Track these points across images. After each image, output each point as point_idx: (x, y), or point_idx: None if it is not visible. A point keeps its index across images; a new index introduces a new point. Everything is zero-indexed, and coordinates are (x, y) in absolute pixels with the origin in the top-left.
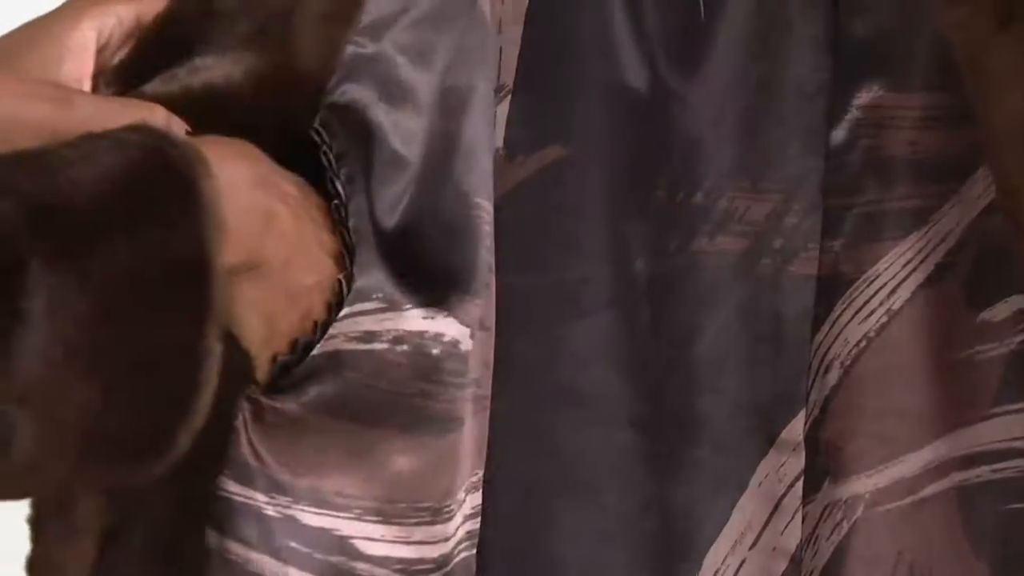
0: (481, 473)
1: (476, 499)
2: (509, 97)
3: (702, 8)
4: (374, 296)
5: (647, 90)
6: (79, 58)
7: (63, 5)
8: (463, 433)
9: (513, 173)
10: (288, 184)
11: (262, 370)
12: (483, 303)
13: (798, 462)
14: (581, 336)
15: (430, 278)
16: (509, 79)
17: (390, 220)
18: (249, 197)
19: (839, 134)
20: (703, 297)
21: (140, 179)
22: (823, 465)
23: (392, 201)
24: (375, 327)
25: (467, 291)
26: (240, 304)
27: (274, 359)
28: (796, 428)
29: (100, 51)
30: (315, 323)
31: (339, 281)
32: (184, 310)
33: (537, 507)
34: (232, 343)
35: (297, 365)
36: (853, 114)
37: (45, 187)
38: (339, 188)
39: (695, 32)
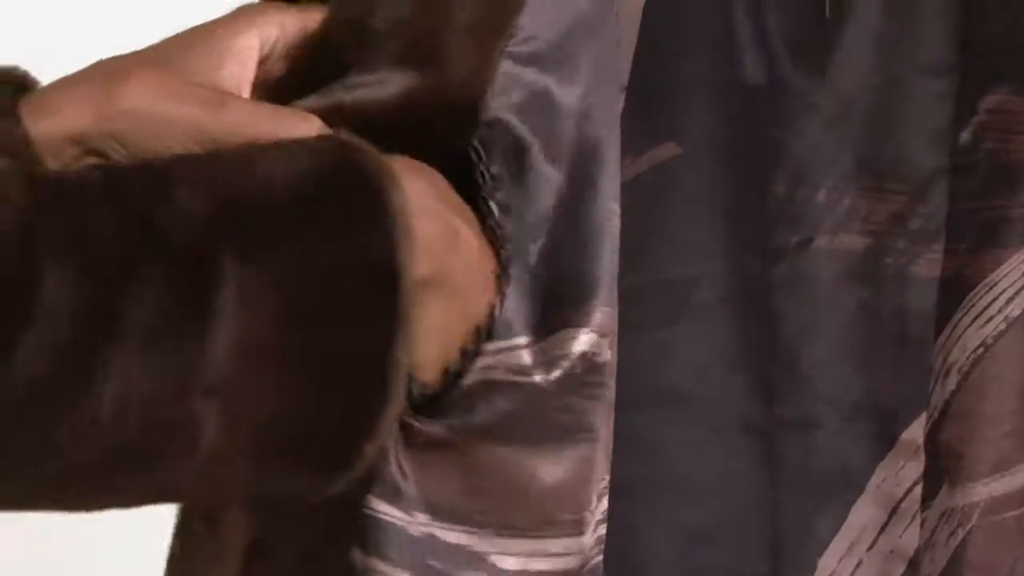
0: (608, 478)
1: (604, 504)
2: (623, 94)
3: (827, 5)
4: (530, 327)
5: (766, 87)
6: (240, 63)
7: (231, 12)
8: (596, 442)
9: (626, 170)
10: (464, 204)
11: (431, 385)
12: (614, 309)
13: (917, 465)
14: (693, 336)
15: (571, 289)
16: (624, 75)
17: (540, 236)
18: (435, 212)
19: (965, 136)
20: (822, 296)
21: (332, 183)
22: (941, 469)
23: (542, 217)
24: (530, 359)
25: (602, 300)
26: (422, 319)
27: (446, 373)
28: (917, 430)
29: (263, 60)
30: (464, 350)
31: (491, 306)
32: (375, 317)
33: (643, 509)
34: None
35: (447, 393)
36: (980, 117)
37: (238, 183)
38: (494, 208)
39: (820, 30)
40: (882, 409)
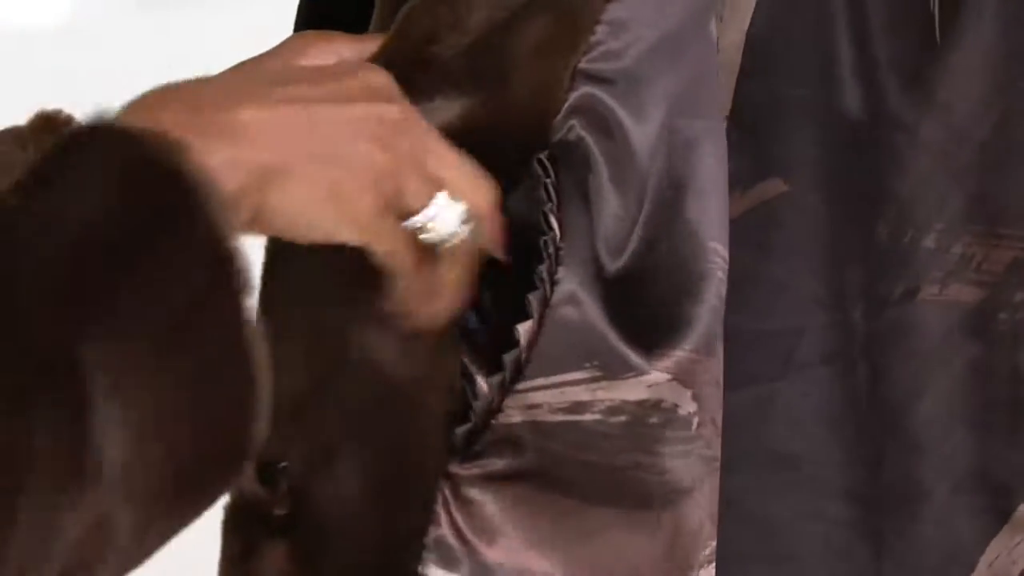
0: (714, 544)
1: (710, 572)
2: (724, 124)
3: (937, 32)
4: (587, 364)
5: (870, 119)
6: None
7: (287, 39)
8: (691, 502)
9: (734, 205)
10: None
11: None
12: (713, 359)
13: None
14: (792, 393)
15: (653, 330)
16: (725, 105)
17: (615, 264)
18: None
19: None
20: (930, 353)
21: (132, 195)
22: None
23: (618, 244)
24: (586, 397)
25: (693, 346)
26: (291, 205)
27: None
28: None
29: None
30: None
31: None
32: (217, 307)
33: None
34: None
35: (481, 432)
36: None
37: (53, 259)
38: (554, 226)
39: (929, 58)
40: (995, 479)
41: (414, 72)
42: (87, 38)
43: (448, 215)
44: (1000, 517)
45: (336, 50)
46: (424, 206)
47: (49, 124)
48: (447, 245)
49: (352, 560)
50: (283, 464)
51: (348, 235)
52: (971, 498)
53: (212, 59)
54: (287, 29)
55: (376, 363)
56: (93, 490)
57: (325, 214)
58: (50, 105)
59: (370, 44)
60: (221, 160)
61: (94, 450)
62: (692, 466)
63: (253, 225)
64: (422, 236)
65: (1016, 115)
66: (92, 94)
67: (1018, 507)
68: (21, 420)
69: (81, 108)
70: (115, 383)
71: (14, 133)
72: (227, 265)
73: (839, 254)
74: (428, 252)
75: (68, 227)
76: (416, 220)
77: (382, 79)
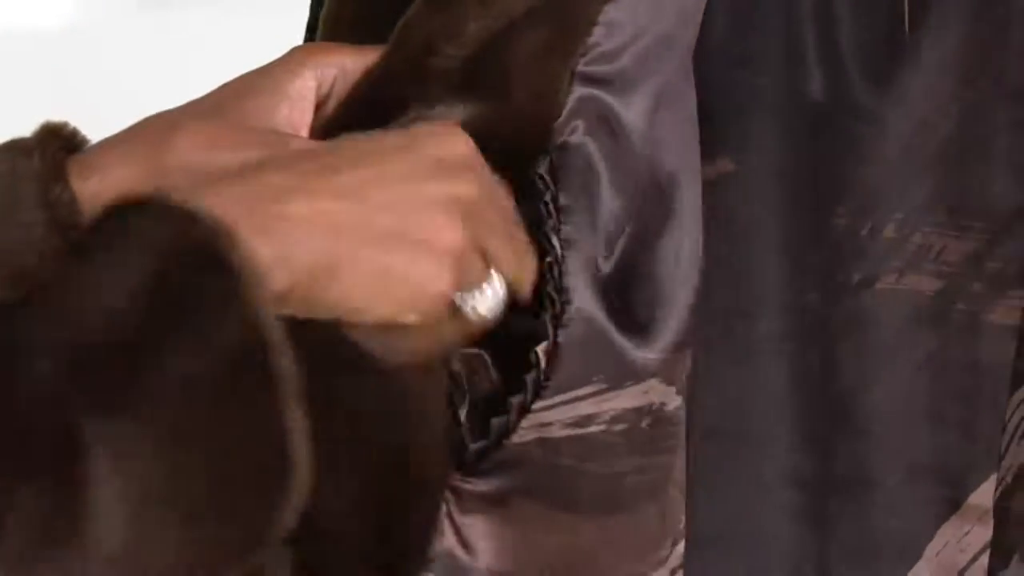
0: (684, 519)
1: (680, 548)
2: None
3: (906, 20)
4: (595, 378)
5: (833, 106)
6: (297, 106)
7: (289, 51)
8: (676, 488)
9: None
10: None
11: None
12: (688, 349)
13: (985, 531)
14: (741, 377)
15: (645, 330)
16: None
17: (607, 265)
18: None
19: None
20: (885, 342)
21: (171, 275)
22: (1013, 539)
23: (610, 244)
24: (593, 410)
25: (676, 342)
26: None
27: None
28: (986, 494)
29: (322, 102)
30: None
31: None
32: (252, 399)
33: (695, 560)
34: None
35: (495, 449)
36: None
37: (77, 330)
38: (556, 245)
39: (896, 46)
40: (946, 469)
41: (414, 82)
42: (89, 39)
43: (496, 298)
44: (950, 506)
45: (339, 62)
46: (478, 285)
47: (54, 134)
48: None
49: (357, 571)
50: None
51: (411, 317)
52: (922, 488)
53: (213, 60)
54: (287, 30)
55: (380, 372)
56: (88, 559)
57: (382, 300)
58: (52, 106)
59: (372, 55)
60: (269, 257)
61: (93, 519)
62: (675, 460)
63: (305, 313)
64: (461, 309)
65: (980, 109)
66: (94, 95)
67: (968, 497)
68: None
69: (83, 109)
70: (116, 461)
71: (20, 145)
72: (264, 358)
73: (794, 238)
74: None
75: (104, 298)
76: (464, 297)
77: (461, 148)
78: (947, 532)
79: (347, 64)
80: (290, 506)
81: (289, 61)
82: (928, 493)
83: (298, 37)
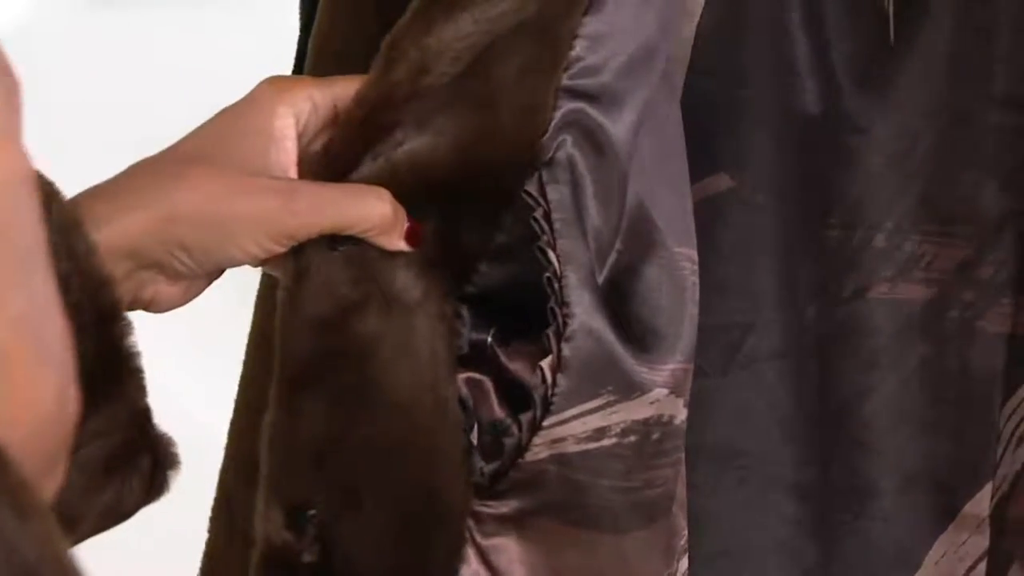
0: (686, 534)
1: (685, 563)
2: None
3: (891, 29)
4: (602, 391)
5: (824, 117)
6: (283, 147)
7: (253, 91)
8: (679, 502)
9: None
10: None
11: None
12: (692, 363)
13: (982, 540)
14: (742, 389)
15: (647, 343)
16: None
17: (600, 277)
18: None
19: None
20: (879, 351)
21: None
22: (1009, 548)
23: (601, 257)
24: (604, 422)
25: (683, 356)
26: None
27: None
28: (982, 502)
29: (298, 138)
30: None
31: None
32: None
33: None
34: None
35: (510, 469)
36: None
37: None
38: (553, 260)
39: (883, 56)
40: (942, 478)
41: (403, 102)
42: (38, 38)
43: None
44: (947, 515)
45: (308, 95)
46: None
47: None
48: None
49: None
50: (311, 512)
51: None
52: (918, 497)
53: (163, 60)
54: (235, 28)
55: (395, 405)
56: None
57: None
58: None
59: (342, 85)
60: None
61: None
62: (677, 468)
63: None
64: None
65: (967, 116)
66: (44, 95)
67: (964, 505)
68: None
69: (33, 110)
70: None
71: None
72: None
73: (790, 251)
74: None
75: None
76: None
77: None
78: (945, 541)
79: (316, 97)
80: None
81: (262, 100)
82: (925, 502)
83: (247, 36)
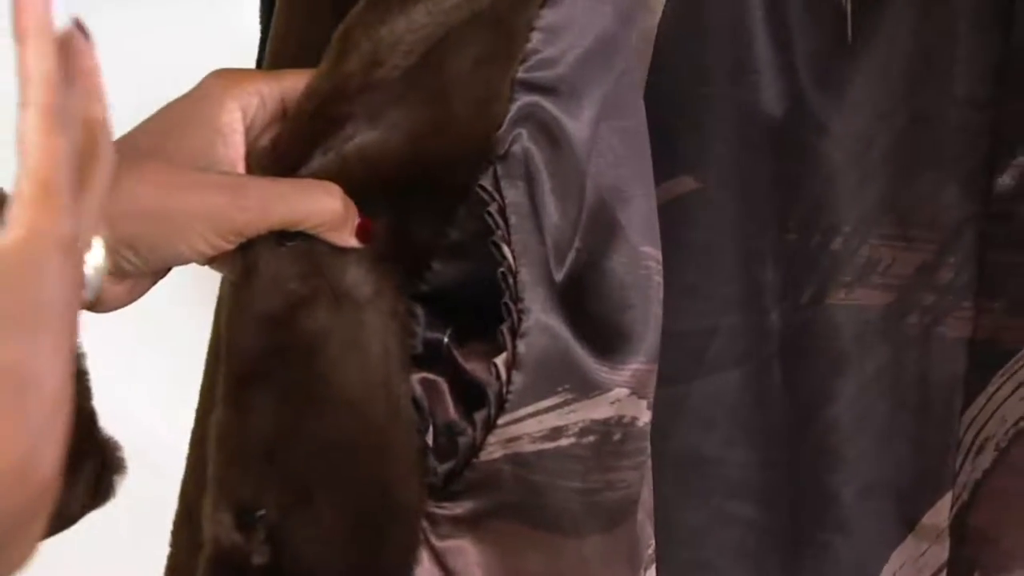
0: (653, 543)
1: (652, 573)
2: (645, 124)
3: (849, 27)
4: (559, 388)
5: (786, 116)
6: (230, 141)
7: (201, 84)
8: (640, 506)
9: None
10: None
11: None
12: (656, 364)
13: (942, 551)
14: (705, 394)
15: (609, 341)
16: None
17: (559, 274)
18: None
19: (1005, 180)
20: (839, 356)
21: None
22: (970, 557)
23: (559, 254)
24: (561, 421)
25: (646, 357)
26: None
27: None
28: (941, 512)
29: (246, 132)
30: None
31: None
32: None
33: None
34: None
35: (464, 469)
36: (1022, 159)
37: None
38: (508, 254)
39: (842, 55)
40: (900, 487)
41: (355, 95)
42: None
43: None
44: (905, 525)
45: (256, 90)
46: None
47: None
48: None
49: None
50: (260, 512)
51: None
52: (877, 504)
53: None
54: (179, 22)
55: (347, 402)
56: None
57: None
58: None
59: (290, 79)
60: None
61: None
62: (642, 476)
63: None
64: None
65: (926, 117)
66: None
67: (924, 516)
68: None
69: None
70: None
71: None
72: None
73: (753, 254)
74: None
75: None
76: None
77: None
78: (903, 553)
79: (264, 91)
80: None
81: (210, 94)
82: (883, 510)
83: (187, 29)
